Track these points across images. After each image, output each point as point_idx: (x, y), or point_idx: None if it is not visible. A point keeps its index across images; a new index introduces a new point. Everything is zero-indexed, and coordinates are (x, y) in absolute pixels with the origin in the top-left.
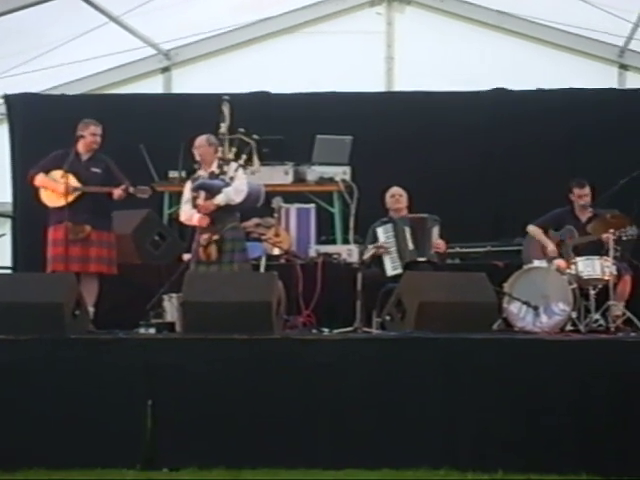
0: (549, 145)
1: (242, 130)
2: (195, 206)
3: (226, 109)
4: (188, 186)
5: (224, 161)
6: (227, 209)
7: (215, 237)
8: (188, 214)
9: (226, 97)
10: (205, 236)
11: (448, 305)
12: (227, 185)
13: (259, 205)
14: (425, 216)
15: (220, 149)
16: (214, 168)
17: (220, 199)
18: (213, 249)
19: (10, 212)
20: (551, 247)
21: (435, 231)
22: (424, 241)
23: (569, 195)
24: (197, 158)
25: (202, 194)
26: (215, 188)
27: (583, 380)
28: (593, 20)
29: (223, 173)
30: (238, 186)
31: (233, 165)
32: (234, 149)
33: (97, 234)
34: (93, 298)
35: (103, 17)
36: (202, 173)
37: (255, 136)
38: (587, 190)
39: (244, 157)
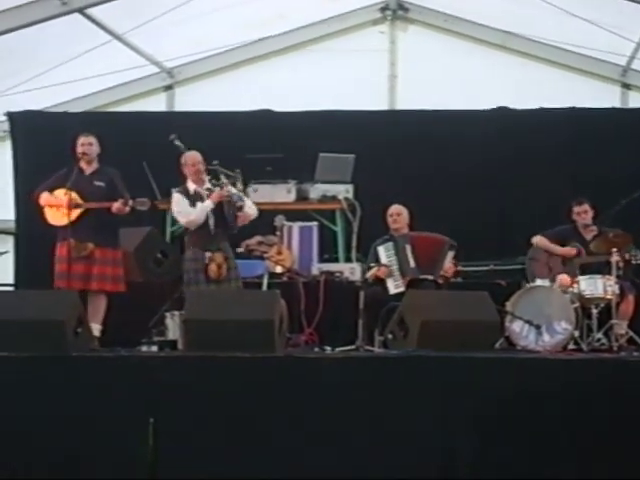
0: (552, 164)
1: (217, 162)
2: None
3: (178, 142)
4: (180, 197)
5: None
6: (226, 228)
7: (226, 255)
8: (199, 207)
9: (172, 136)
10: (219, 255)
11: (450, 324)
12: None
13: None
14: (445, 239)
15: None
16: (208, 184)
17: (249, 205)
18: (224, 267)
19: (13, 229)
20: (562, 250)
21: (449, 255)
22: (436, 262)
23: (570, 214)
24: (192, 176)
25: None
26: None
27: (585, 399)
28: (596, 40)
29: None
30: (251, 204)
31: (234, 189)
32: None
33: (101, 251)
34: (100, 316)
35: (107, 35)
36: (194, 187)
37: (237, 170)
38: (586, 207)
39: (239, 187)
